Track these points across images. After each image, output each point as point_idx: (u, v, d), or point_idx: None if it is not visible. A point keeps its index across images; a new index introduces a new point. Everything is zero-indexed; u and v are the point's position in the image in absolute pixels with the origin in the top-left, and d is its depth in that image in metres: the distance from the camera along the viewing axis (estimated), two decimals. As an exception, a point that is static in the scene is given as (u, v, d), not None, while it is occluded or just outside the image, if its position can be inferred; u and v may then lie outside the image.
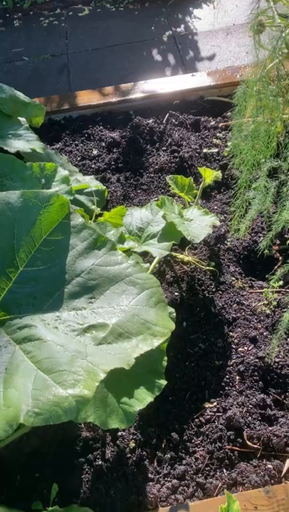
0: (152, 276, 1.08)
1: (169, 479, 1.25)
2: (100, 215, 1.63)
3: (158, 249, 1.46)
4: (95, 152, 2.09)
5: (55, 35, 3.63)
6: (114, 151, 2.09)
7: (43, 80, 3.24)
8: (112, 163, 2.04)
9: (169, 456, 1.28)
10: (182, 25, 3.50)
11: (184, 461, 1.28)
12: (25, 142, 1.68)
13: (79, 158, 2.08)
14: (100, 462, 1.26)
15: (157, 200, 1.67)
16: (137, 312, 1.00)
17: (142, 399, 1.11)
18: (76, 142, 2.15)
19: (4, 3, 3.87)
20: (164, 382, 1.16)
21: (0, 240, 1.01)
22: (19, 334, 0.93)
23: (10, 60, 3.46)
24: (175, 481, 1.24)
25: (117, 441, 1.30)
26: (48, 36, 3.63)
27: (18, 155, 1.62)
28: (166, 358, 1.21)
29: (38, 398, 0.80)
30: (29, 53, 3.50)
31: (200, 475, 1.25)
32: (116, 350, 0.92)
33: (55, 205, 1.06)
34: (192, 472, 1.26)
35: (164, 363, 1.20)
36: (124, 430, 1.32)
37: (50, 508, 1.17)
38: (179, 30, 3.45)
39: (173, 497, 1.21)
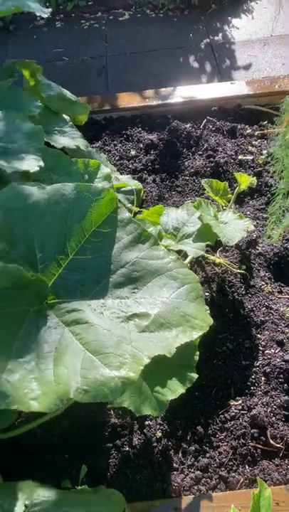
0: (192, 272, 1.13)
1: (192, 470, 1.29)
2: (139, 212, 1.68)
3: (193, 249, 1.50)
4: (132, 153, 2.16)
5: (95, 37, 3.72)
6: (152, 152, 2.15)
7: (81, 80, 3.32)
8: (149, 164, 2.10)
9: (193, 448, 1.33)
10: (220, 34, 3.55)
11: (207, 455, 1.32)
12: (70, 139, 1.75)
13: (117, 158, 2.14)
14: (127, 448, 1.32)
15: (192, 202, 1.72)
16: (177, 305, 1.05)
17: (174, 389, 1.16)
18: (115, 142, 2.22)
19: (48, 4, 3.98)
20: (195, 376, 1.21)
21: (53, 229, 1.07)
22: (68, 317, 0.99)
23: (50, 59, 3.55)
24: (198, 472, 1.28)
25: (144, 430, 1.35)
26: (88, 38, 3.72)
27: (62, 151, 1.69)
28: (198, 353, 1.25)
29: (86, 377, 0.86)
30: (69, 54, 3.59)
31: (223, 469, 1.30)
32: (158, 339, 0.97)
33: (106, 199, 1.12)
34: (215, 465, 1.30)
35: (196, 358, 1.25)
36: (151, 420, 1.37)
37: (79, 487, 1.23)
38: (216, 38, 3.50)
39: (196, 487, 1.26)
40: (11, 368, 0.86)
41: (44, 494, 1.12)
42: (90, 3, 4.12)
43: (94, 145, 2.20)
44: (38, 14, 1.64)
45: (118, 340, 0.93)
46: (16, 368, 0.87)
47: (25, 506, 1.08)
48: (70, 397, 0.83)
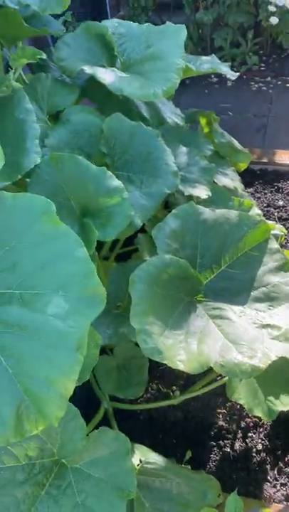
0: None
1: (284, 489, 1.40)
2: (279, 252, 1.87)
3: None
4: (280, 203, 2.37)
5: (260, 98, 4.06)
6: (299, 206, 2.34)
7: (240, 134, 3.63)
8: (294, 215, 2.29)
9: (289, 470, 1.43)
10: None
11: (301, 481, 1.42)
12: (230, 180, 2.03)
13: (264, 205, 2.37)
14: (228, 450, 1.47)
15: None
16: (306, 327, 1.21)
17: (286, 403, 1.31)
18: (265, 191, 2.45)
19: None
20: (306, 399, 1.34)
21: (214, 243, 1.32)
22: (212, 312, 1.22)
23: (217, 112, 3.92)
24: (290, 492, 1.38)
25: (247, 440, 1.49)
26: (254, 99, 4.07)
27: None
28: (312, 381, 1.38)
29: (224, 356, 1.07)
30: (234, 110, 3.96)
31: (314, 497, 1.38)
32: (285, 347, 1.14)
33: (261, 228, 1.34)
34: (307, 491, 1.39)
35: (310, 384, 1.38)
36: (254, 433, 1.51)
37: (183, 465, 1.42)
38: None
39: (285, 503, 1.36)
40: (166, 335, 1.11)
41: (155, 458, 1.34)
42: (262, 68, 4.51)
43: (246, 190, 2.45)
44: (228, 76, 1.97)
45: (252, 338, 1.13)
46: (169, 336, 1.11)
47: (140, 461, 1.31)
48: (209, 365, 1.05)
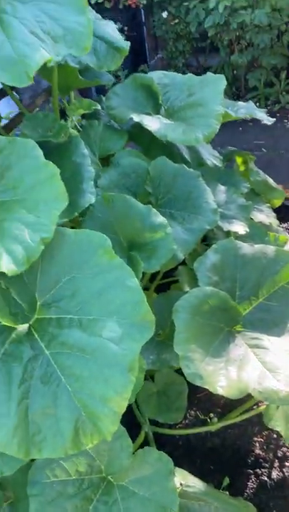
0: None
1: None
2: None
3: None
4: (314, 238, 2.43)
5: (294, 135, 4.18)
6: None
7: (275, 170, 3.74)
8: None
9: None
10: None
11: None
12: (265, 216, 2.12)
13: (299, 239, 2.44)
14: (266, 479, 1.51)
15: None
16: None
17: None
18: (300, 226, 2.53)
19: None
20: None
21: (252, 276, 1.41)
22: (250, 342, 1.30)
23: (251, 149, 4.09)
24: None
25: (283, 469, 1.53)
26: (287, 136, 4.19)
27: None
28: None
29: (261, 383, 1.15)
30: (268, 146, 4.09)
31: None
32: None
33: (297, 263, 1.43)
34: None
35: None
36: (291, 462, 1.54)
37: (221, 491, 1.46)
38: None
39: None
40: (207, 362, 1.19)
41: (195, 481, 1.40)
42: (294, 106, 4.65)
43: (281, 225, 2.53)
44: (264, 121, 2.08)
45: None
46: (210, 363, 1.19)
47: (180, 484, 1.37)
48: (248, 392, 1.12)
